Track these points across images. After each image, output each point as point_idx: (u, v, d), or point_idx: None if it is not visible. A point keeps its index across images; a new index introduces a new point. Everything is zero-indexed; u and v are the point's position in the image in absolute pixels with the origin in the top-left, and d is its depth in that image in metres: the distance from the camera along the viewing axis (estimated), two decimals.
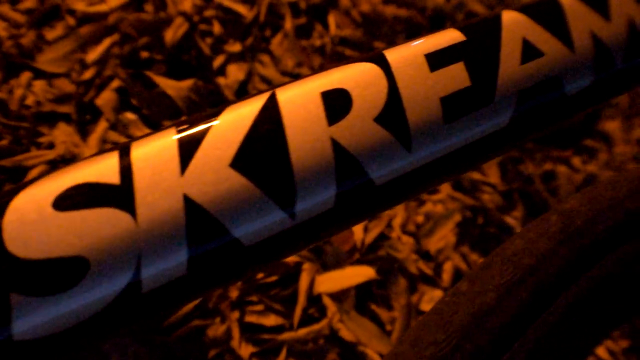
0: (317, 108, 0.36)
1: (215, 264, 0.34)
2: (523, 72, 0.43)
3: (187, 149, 0.34)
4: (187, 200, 0.33)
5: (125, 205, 0.33)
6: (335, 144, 0.36)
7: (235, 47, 1.37)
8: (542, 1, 0.47)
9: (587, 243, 0.48)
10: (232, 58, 1.36)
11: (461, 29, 0.43)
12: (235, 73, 1.34)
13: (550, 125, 0.46)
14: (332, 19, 1.48)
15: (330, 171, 0.35)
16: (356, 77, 0.38)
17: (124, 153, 0.34)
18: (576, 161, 1.54)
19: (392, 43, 1.45)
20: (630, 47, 0.48)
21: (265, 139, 0.35)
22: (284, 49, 1.39)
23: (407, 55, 0.40)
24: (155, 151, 0.34)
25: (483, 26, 0.44)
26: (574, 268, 0.47)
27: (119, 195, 0.33)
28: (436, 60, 0.41)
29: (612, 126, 1.62)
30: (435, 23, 1.58)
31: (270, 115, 0.35)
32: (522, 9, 0.46)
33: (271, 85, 1.34)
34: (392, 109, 0.38)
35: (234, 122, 0.35)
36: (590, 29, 0.46)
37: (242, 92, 1.31)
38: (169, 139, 0.35)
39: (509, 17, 0.45)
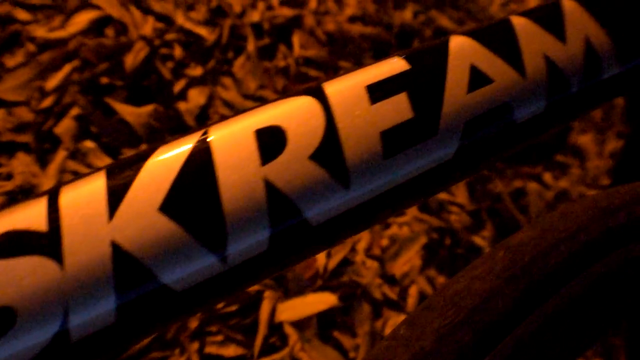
0: (250, 147, 0.35)
1: (145, 311, 0.34)
2: (470, 101, 0.42)
3: (116, 193, 0.34)
4: (115, 247, 0.33)
5: (52, 252, 0.32)
6: (268, 184, 0.35)
7: (196, 70, 1.39)
8: (493, 24, 0.47)
9: (537, 279, 0.46)
10: (194, 82, 1.37)
11: (406, 57, 0.43)
12: (196, 97, 1.35)
13: (501, 155, 0.46)
14: (296, 39, 1.49)
15: (263, 213, 0.35)
16: (292, 112, 0.37)
17: (53, 198, 0.34)
18: (547, 177, 1.56)
19: (358, 62, 1.47)
20: (586, 70, 0.48)
21: (196, 181, 0.35)
22: (246, 72, 1.40)
23: (346, 88, 0.39)
24: (83, 196, 0.34)
25: (429, 54, 0.44)
26: (522, 306, 0.46)
27: (46, 242, 0.33)
28: (377, 91, 0.40)
29: (584, 140, 1.64)
30: (403, 40, 1.60)
31: (202, 155, 0.35)
32: (472, 33, 0.46)
33: (233, 109, 1.35)
34: (329, 146, 0.37)
35: (164, 163, 0.35)
36: (544, 52, 0.46)
37: (203, 117, 1.32)
38: (97, 183, 0.35)
39: (457, 43, 0.44)
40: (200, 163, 0.35)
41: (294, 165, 0.36)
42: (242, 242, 0.35)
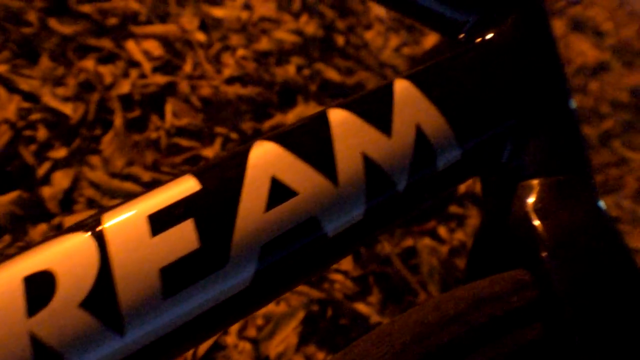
0: (17, 297, 0.34)
1: None
2: (268, 220, 0.40)
3: None
4: None
5: None
6: (34, 338, 0.33)
7: (60, 152, 1.43)
8: (305, 121, 0.46)
9: None
10: (58, 164, 1.41)
11: (198, 175, 0.41)
12: (61, 181, 1.39)
13: (312, 272, 0.44)
14: (169, 108, 1.54)
15: None
16: (65, 253, 0.35)
17: None
18: (442, 231, 1.61)
19: (235, 127, 1.52)
20: (415, 164, 0.47)
21: None
22: (114, 148, 1.44)
23: (126, 220, 0.38)
24: None
25: (224, 168, 0.42)
26: None
27: None
28: (160, 220, 0.38)
29: (480, 187, 1.68)
30: (286, 98, 1.65)
31: None
32: (277, 137, 0.44)
33: (100, 189, 1.39)
34: (102, 290, 0.35)
35: None
36: (362, 150, 0.44)
37: (68, 202, 1.36)
38: None
39: (258, 151, 0.42)
40: None
41: (62, 315, 0.34)
42: None
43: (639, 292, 0.55)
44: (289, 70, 1.72)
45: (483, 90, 0.54)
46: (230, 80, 1.63)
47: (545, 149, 0.58)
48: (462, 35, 0.60)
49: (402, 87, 0.49)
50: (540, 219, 0.55)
